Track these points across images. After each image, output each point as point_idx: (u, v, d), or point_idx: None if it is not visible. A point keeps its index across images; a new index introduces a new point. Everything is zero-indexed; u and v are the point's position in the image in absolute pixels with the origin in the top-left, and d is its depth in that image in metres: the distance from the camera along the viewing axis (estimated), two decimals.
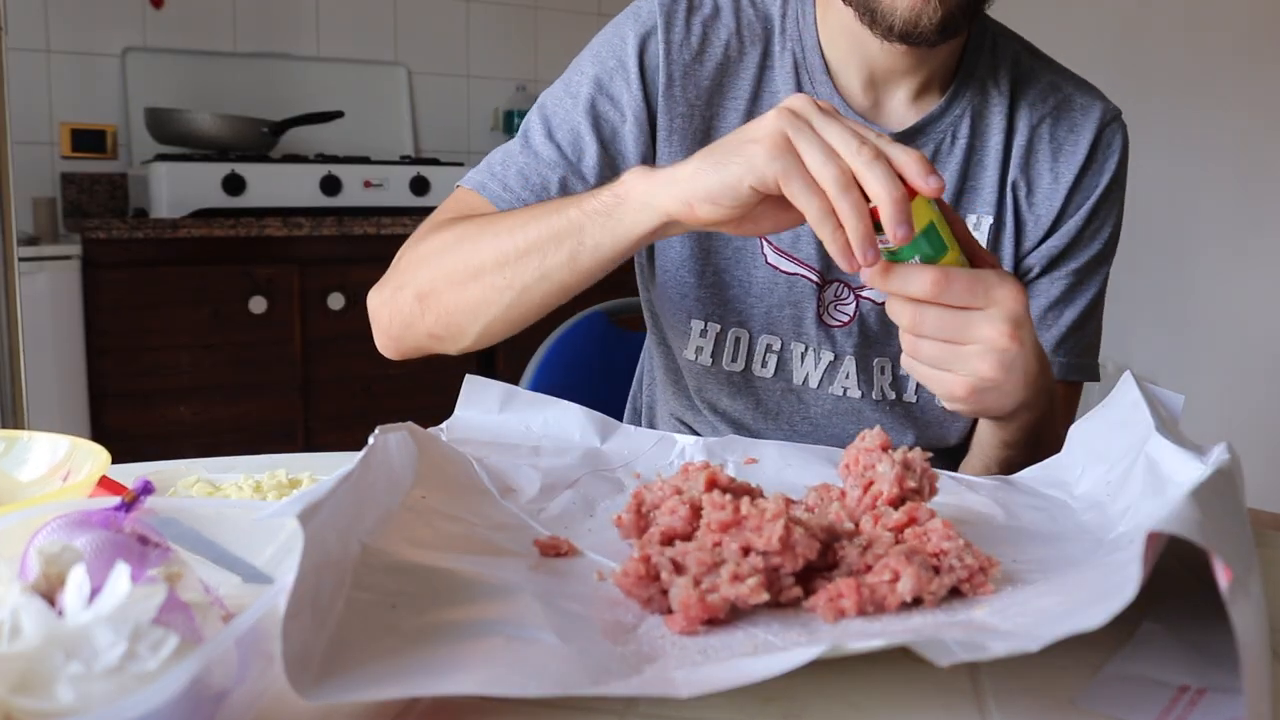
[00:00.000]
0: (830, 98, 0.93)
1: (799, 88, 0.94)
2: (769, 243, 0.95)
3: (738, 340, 0.97)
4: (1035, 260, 0.98)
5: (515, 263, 0.79)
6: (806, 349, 0.98)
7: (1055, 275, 0.98)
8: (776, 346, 0.97)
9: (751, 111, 0.94)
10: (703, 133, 0.94)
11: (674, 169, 0.71)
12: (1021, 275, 0.98)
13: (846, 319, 0.97)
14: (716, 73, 0.95)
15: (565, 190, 0.92)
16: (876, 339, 0.97)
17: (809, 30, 0.95)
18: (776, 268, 0.96)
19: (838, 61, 0.94)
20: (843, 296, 0.97)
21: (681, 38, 0.94)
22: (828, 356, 0.98)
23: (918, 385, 0.98)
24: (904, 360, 0.71)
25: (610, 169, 0.93)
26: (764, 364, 0.98)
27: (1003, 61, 0.98)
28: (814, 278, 0.95)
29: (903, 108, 0.95)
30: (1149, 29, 3.04)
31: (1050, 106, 0.98)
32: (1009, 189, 0.97)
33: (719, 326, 0.97)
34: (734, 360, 0.98)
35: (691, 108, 0.94)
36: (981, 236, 0.96)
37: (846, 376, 0.98)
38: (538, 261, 0.78)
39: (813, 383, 0.98)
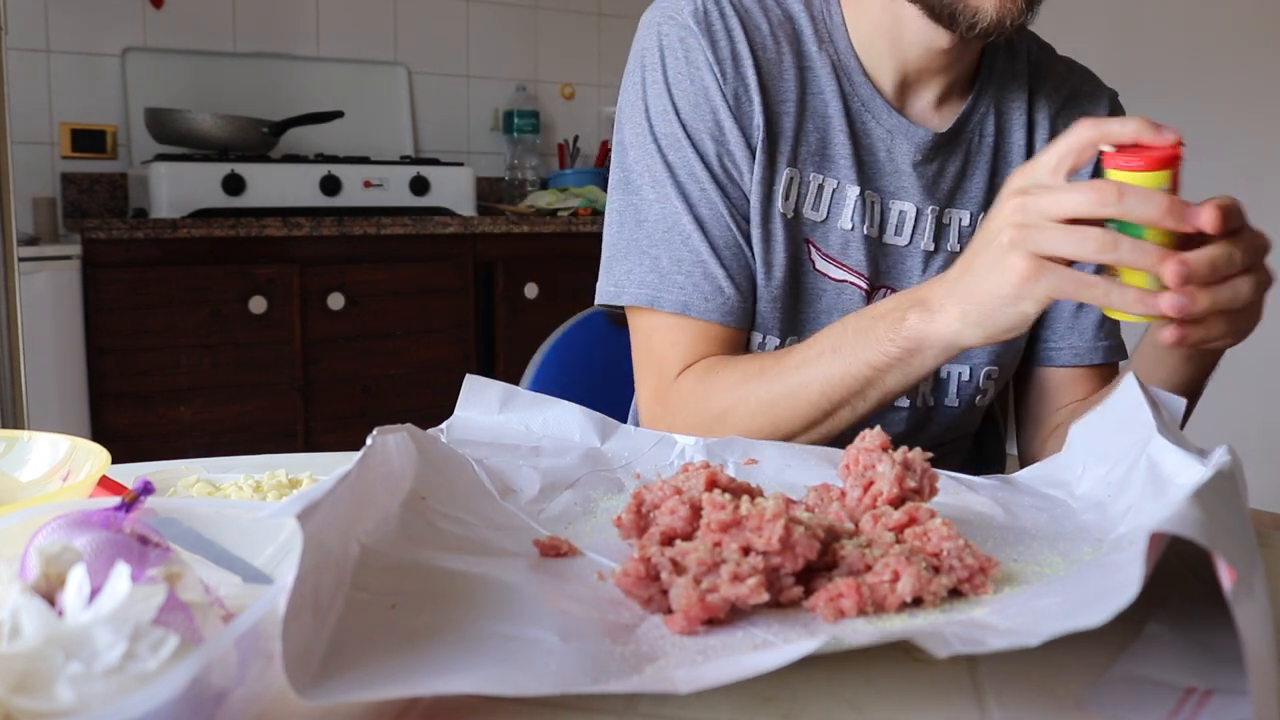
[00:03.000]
0: (871, 99, 0.93)
1: (841, 90, 0.93)
2: (817, 248, 0.94)
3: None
4: None
5: (825, 420, 0.82)
6: None
7: None
8: None
9: (800, 115, 0.93)
10: (768, 144, 0.91)
11: (951, 300, 0.73)
12: None
13: None
14: (758, 73, 0.92)
15: (720, 259, 0.90)
16: None
17: (839, 32, 0.94)
18: (824, 274, 0.94)
19: (871, 64, 0.94)
20: None
21: (727, 50, 0.91)
22: None
23: (958, 388, 0.98)
24: (1200, 307, 0.64)
25: (738, 215, 0.92)
26: None
27: (1018, 56, 0.99)
28: (862, 284, 0.94)
29: (929, 110, 0.96)
30: (1149, 29, 3.04)
31: (1063, 97, 0.99)
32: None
33: (760, 336, 0.95)
34: None
35: (758, 117, 0.91)
36: None
37: None
38: (848, 414, 0.82)
39: None
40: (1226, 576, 0.37)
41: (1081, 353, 0.99)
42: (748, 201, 0.92)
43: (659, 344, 0.92)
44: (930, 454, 0.59)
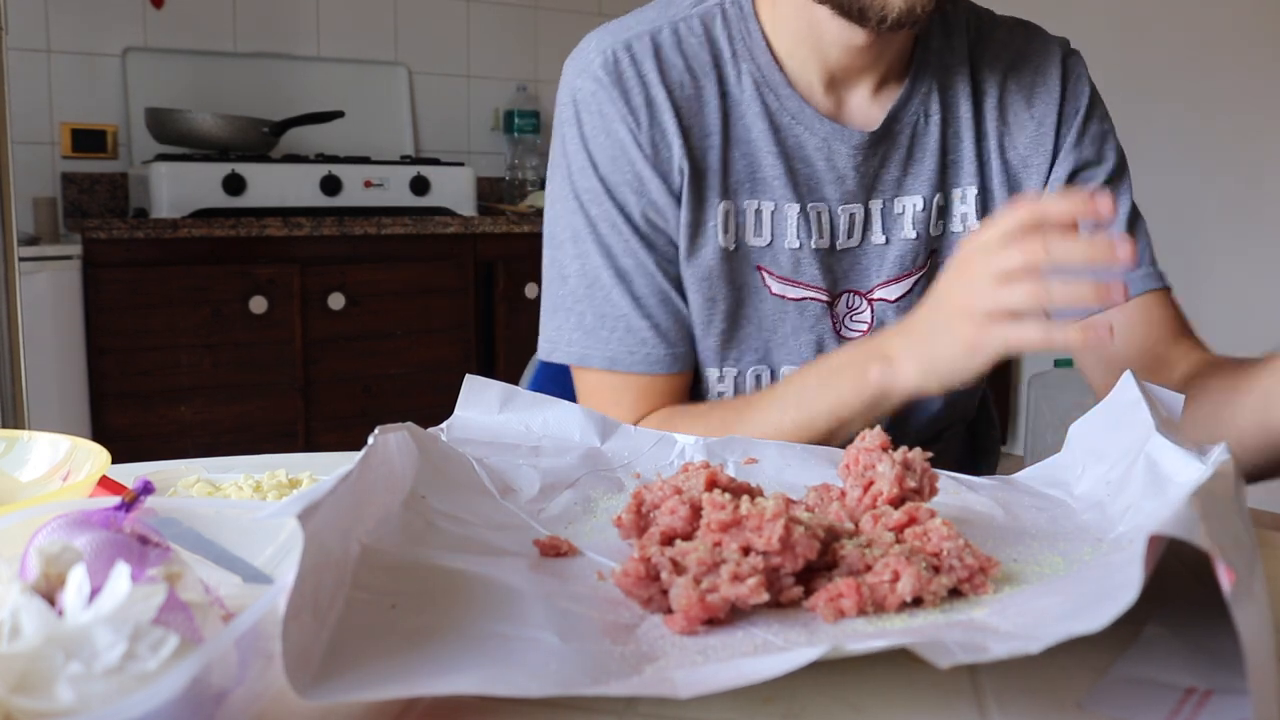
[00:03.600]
0: (800, 110, 0.91)
1: (766, 108, 0.91)
2: (770, 273, 0.93)
3: (759, 378, 0.95)
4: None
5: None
6: None
7: None
8: None
9: (725, 146, 0.91)
10: (693, 184, 0.90)
11: (909, 356, 0.77)
12: None
13: (865, 327, 0.96)
14: (676, 114, 0.90)
15: (650, 318, 0.92)
16: None
17: (759, 47, 0.92)
18: (783, 296, 0.94)
19: (796, 71, 0.92)
20: (856, 306, 0.95)
21: (641, 97, 0.90)
22: None
23: None
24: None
25: (665, 263, 0.92)
26: None
27: (955, 30, 0.97)
28: (823, 297, 0.94)
29: (866, 103, 0.94)
30: (1149, 30, 3.04)
31: (1009, 60, 0.97)
32: (990, 155, 0.96)
33: (735, 370, 0.95)
34: None
35: (678, 159, 0.90)
36: (968, 209, 0.96)
37: None
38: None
39: None
40: (1226, 578, 0.37)
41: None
42: (674, 246, 0.92)
43: (600, 401, 0.93)
44: (930, 454, 0.59)
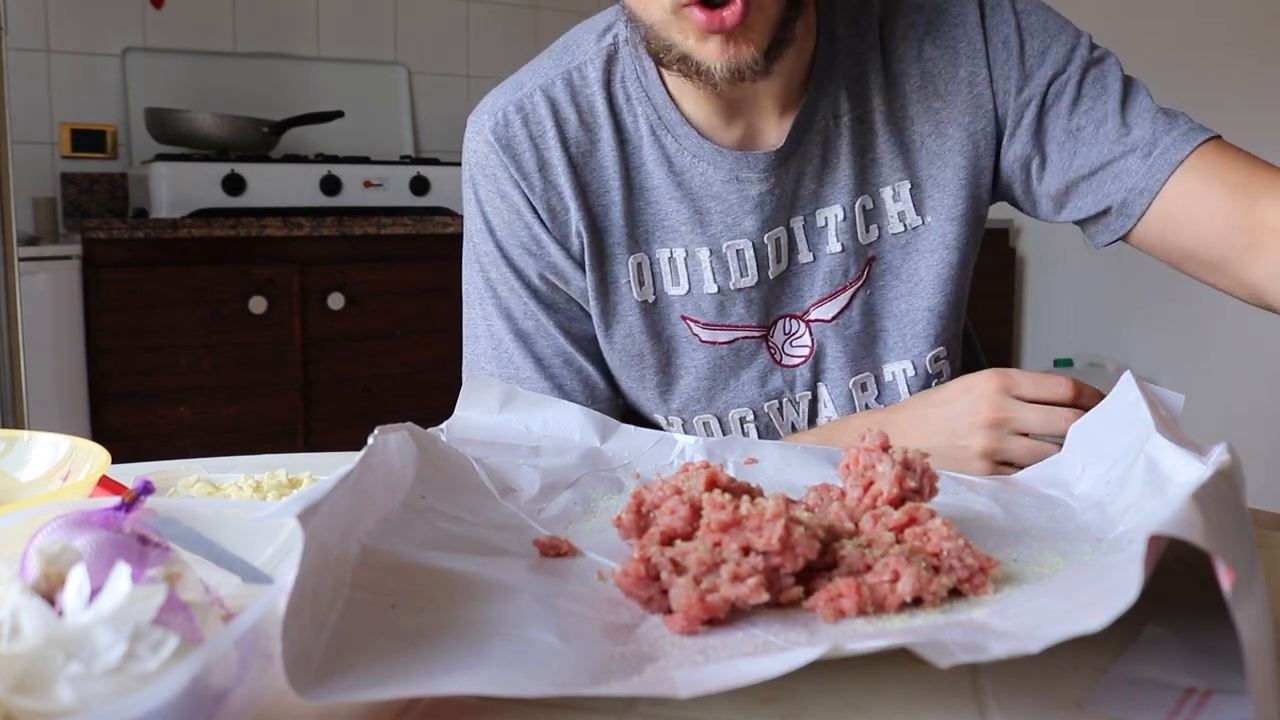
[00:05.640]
0: (699, 148, 0.87)
1: (664, 152, 0.88)
2: (695, 321, 0.91)
3: (706, 425, 0.94)
4: (1023, 145, 0.89)
5: None
6: (781, 403, 0.93)
7: (1064, 115, 0.87)
8: (750, 418, 0.93)
9: (628, 197, 0.89)
10: (594, 243, 0.89)
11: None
12: (1054, 150, 0.88)
13: (806, 351, 0.92)
14: (572, 173, 0.88)
15: (549, 371, 0.92)
16: (844, 357, 0.92)
17: (655, 88, 0.88)
18: (714, 342, 0.91)
19: (694, 108, 0.87)
20: (794, 331, 0.92)
21: (533, 161, 0.88)
22: (805, 398, 0.93)
23: (907, 384, 0.94)
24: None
25: (568, 322, 0.92)
26: (744, 435, 0.93)
27: (863, 11, 0.89)
28: (755, 333, 0.91)
29: (774, 122, 0.88)
30: (1147, 29, 3.04)
31: (923, 25, 0.89)
32: (920, 141, 0.89)
33: (680, 420, 0.94)
34: None
35: (575, 221, 0.89)
36: (904, 205, 0.90)
37: (825, 405, 0.93)
38: None
39: (802, 428, 0.94)
40: (1226, 578, 0.37)
41: (1149, 181, 0.84)
42: (578, 305, 0.91)
43: None
44: (928, 454, 0.59)
